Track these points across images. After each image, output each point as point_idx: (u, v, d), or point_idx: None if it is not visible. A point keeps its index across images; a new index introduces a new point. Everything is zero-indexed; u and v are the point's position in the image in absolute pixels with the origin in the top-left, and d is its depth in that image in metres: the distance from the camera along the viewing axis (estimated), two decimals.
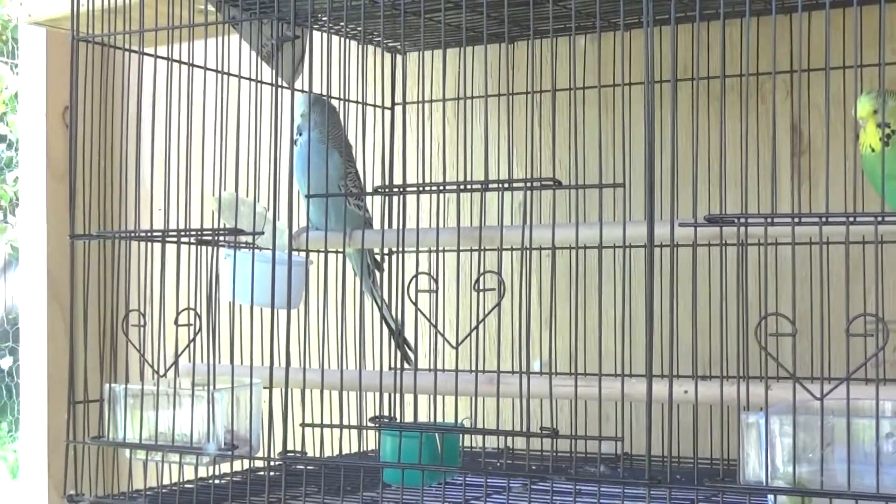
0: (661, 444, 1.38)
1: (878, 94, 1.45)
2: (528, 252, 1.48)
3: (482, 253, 1.52)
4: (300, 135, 1.80)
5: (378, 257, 1.94)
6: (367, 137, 1.85)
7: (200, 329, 1.60)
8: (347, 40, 1.80)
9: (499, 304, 1.46)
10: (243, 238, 1.66)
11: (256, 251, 1.67)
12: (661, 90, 1.70)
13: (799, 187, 1.82)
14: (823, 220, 1.28)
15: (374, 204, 1.96)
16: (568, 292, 1.52)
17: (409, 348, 1.90)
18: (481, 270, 1.47)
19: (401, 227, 1.59)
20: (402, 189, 1.58)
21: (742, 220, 1.32)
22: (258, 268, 1.63)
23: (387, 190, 1.63)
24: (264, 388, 1.65)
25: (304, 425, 1.59)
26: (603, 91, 1.48)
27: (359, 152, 1.82)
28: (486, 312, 1.45)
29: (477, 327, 1.46)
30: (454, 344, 1.49)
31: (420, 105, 1.65)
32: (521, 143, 1.85)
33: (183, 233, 1.64)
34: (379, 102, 1.89)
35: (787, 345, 1.27)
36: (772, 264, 1.60)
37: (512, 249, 1.72)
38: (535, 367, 1.90)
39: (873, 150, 1.46)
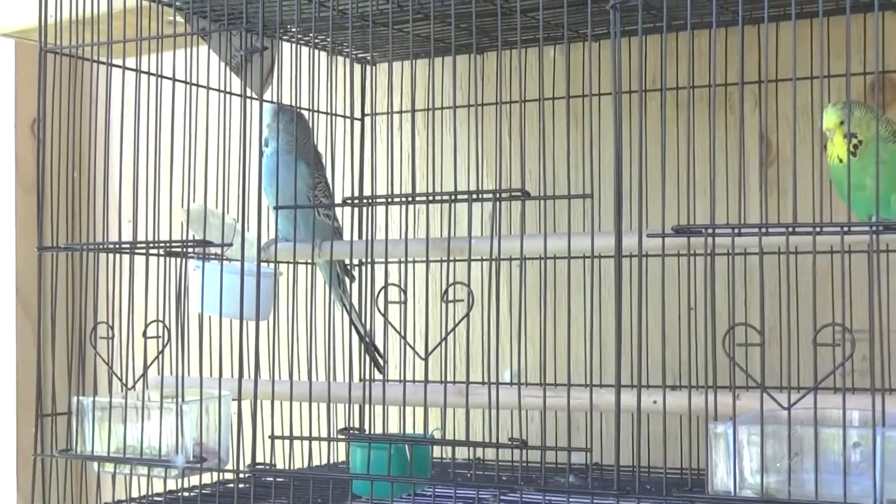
0: (630, 455, 1.39)
1: (845, 106, 1.46)
2: (497, 263, 1.48)
3: (451, 264, 1.52)
4: (267, 146, 1.80)
5: (348, 266, 1.94)
6: (337, 148, 1.85)
7: (169, 341, 1.59)
8: (316, 51, 1.80)
9: (468, 315, 1.46)
10: (212, 249, 1.65)
11: (225, 263, 1.66)
12: (630, 101, 1.71)
13: (767, 197, 1.83)
14: (790, 229, 1.28)
15: (344, 214, 1.96)
16: (537, 303, 1.52)
17: (380, 355, 1.90)
18: (450, 281, 1.47)
19: (370, 237, 1.59)
20: (371, 200, 1.58)
21: (710, 231, 1.32)
22: (227, 279, 1.62)
23: (356, 201, 1.63)
24: (233, 400, 1.65)
25: (273, 437, 1.58)
26: (572, 102, 1.47)
27: (328, 163, 1.82)
28: (455, 323, 1.45)
29: (446, 338, 1.46)
30: (423, 355, 1.48)
31: (389, 116, 1.65)
32: (490, 153, 1.85)
33: (152, 244, 1.63)
34: (348, 113, 1.89)
35: (755, 354, 1.28)
36: (740, 274, 1.60)
37: (481, 260, 1.72)
38: (506, 377, 1.90)
39: (841, 161, 1.47)
